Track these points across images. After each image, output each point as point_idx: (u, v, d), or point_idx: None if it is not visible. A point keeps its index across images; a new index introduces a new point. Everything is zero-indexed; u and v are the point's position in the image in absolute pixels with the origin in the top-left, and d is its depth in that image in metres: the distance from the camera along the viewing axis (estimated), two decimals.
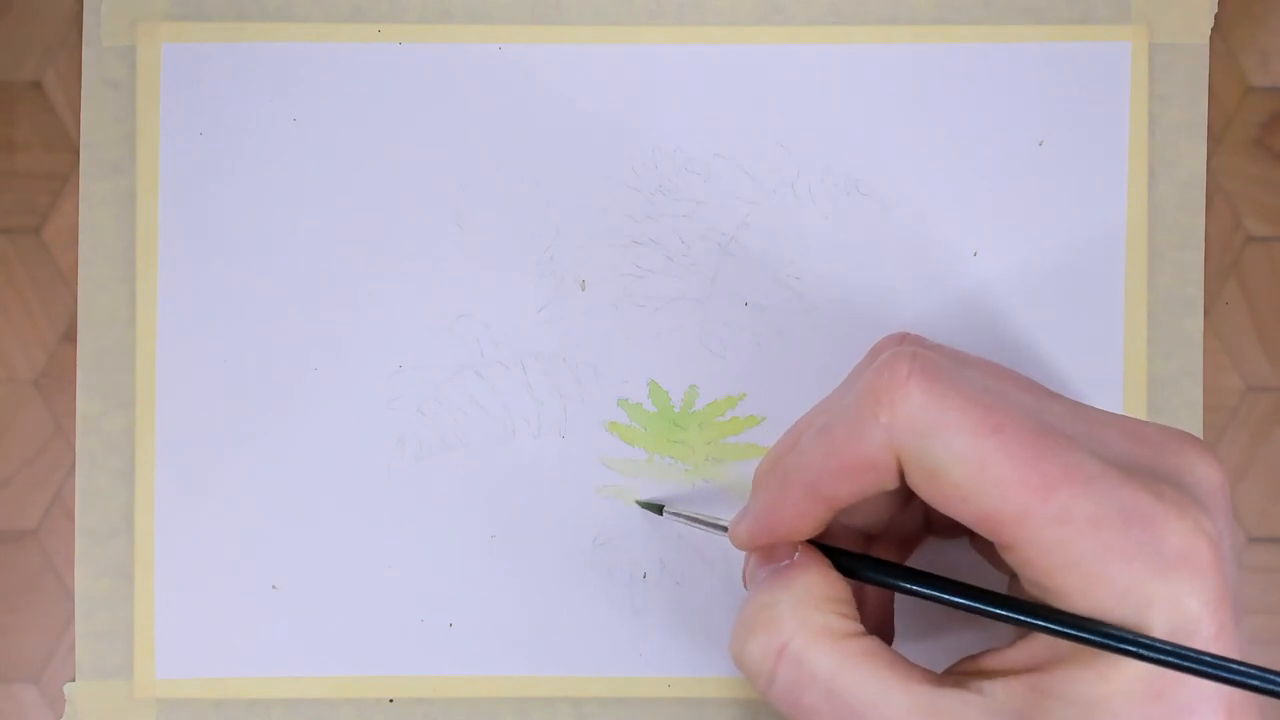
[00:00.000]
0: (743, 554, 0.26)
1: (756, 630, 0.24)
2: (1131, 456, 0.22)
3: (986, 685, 0.22)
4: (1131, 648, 0.20)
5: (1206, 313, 0.31)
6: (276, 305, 0.31)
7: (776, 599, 0.24)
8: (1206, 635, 0.21)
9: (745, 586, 0.26)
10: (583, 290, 0.31)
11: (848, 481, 0.23)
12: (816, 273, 0.31)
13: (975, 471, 0.21)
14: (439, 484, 0.31)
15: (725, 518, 0.27)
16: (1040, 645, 0.22)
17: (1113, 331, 0.31)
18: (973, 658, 0.24)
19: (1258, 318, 0.32)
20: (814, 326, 0.31)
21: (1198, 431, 0.31)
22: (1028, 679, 0.22)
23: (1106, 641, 0.21)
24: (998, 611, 0.22)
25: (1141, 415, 0.31)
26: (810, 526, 0.24)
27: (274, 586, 0.31)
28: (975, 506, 0.22)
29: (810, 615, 0.23)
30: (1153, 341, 0.31)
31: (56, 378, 0.32)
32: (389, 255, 0.31)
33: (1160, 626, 0.21)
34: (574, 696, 0.31)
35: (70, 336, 0.32)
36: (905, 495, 0.27)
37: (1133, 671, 0.21)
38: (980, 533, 0.22)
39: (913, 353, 0.23)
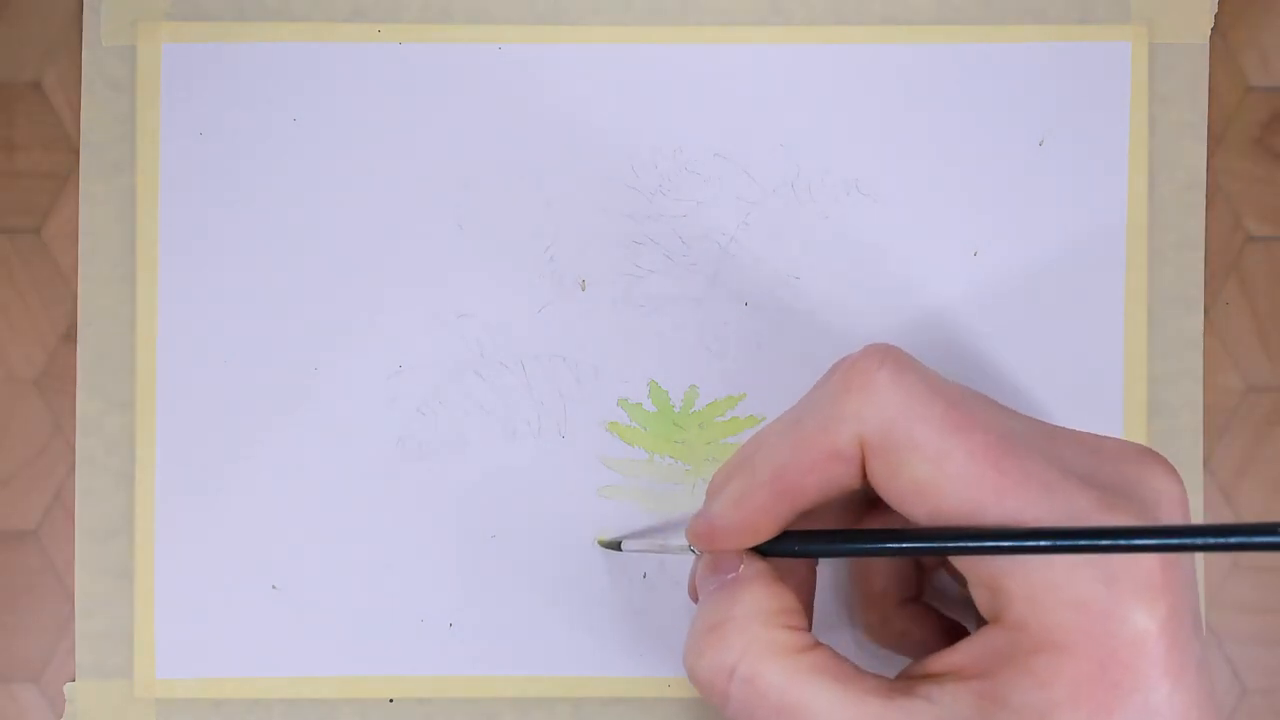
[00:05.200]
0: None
1: (706, 650, 0.24)
2: (1090, 470, 0.22)
3: (935, 692, 0.22)
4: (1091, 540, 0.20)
5: (1206, 313, 0.31)
6: (276, 305, 0.31)
7: (725, 616, 0.24)
8: (1155, 653, 0.20)
9: (692, 597, 0.26)
10: (583, 290, 0.31)
11: (815, 474, 0.23)
12: (816, 273, 0.31)
13: (935, 467, 0.22)
14: (439, 484, 0.31)
15: (675, 540, 0.27)
16: (981, 646, 0.22)
17: (1113, 331, 0.31)
18: (920, 661, 0.24)
19: (1258, 318, 0.32)
20: (814, 326, 0.31)
21: (1197, 432, 0.31)
22: (975, 685, 0.22)
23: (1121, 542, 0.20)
24: (959, 545, 0.22)
25: (1141, 415, 0.31)
26: (773, 524, 0.24)
27: (274, 586, 0.31)
28: (931, 503, 0.22)
29: (759, 632, 0.23)
30: (1153, 341, 0.31)
31: (56, 378, 0.32)
32: (389, 255, 0.31)
33: (1103, 640, 0.21)
34: (574, 696, 0.31)
35: (70, 336, 0.32)
36: (857, 511, 0.27)
37: (1072, 678, 0.21)
38: None
39: (885, 346, 0.23)
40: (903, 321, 0.31)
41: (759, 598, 0.24)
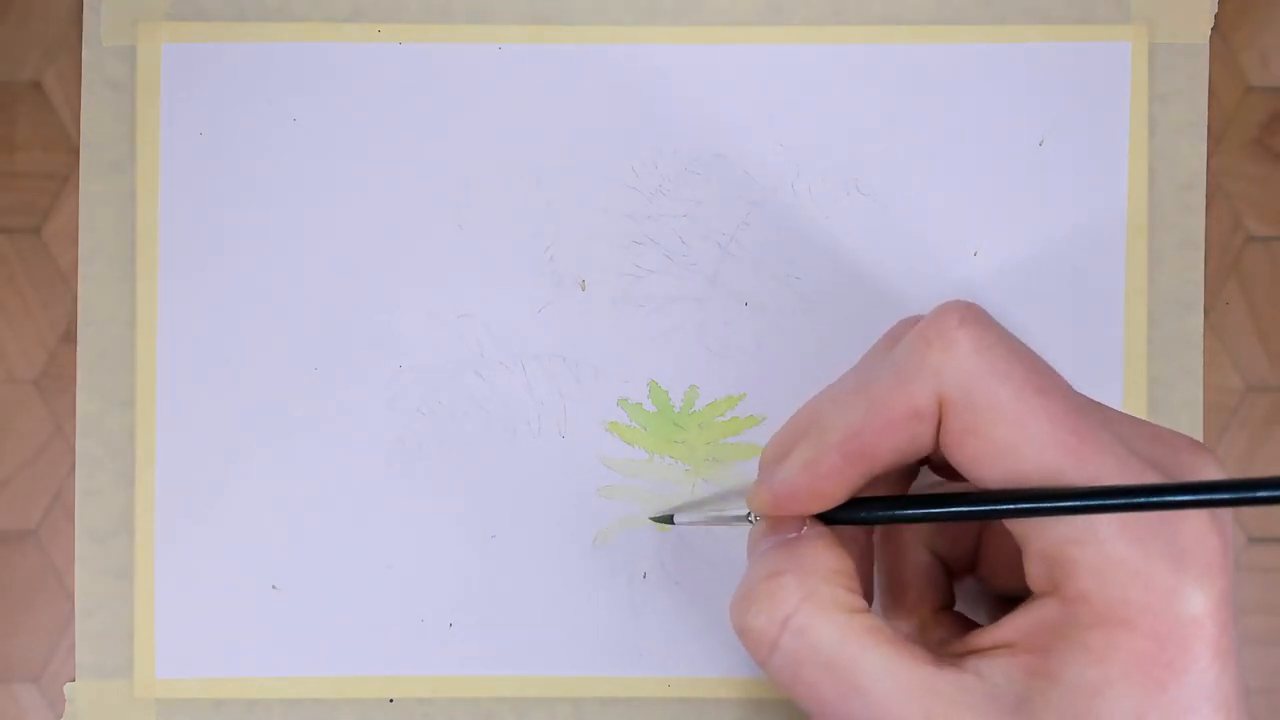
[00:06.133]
0: (742, 552, 0.26)
1: (760, 600, 0.23)
2: (1149, 454, 0.22)
3: (984, 667, 0.22)
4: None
5: (1206, 313, 0.31)
6: (276, 305, 0.31)
7: (781, 569, 0.24)
8: (1208, 634, 0.20)
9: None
10: (583, 290, 0.31)
11: (891, 435, 0.22)
12: (816, 273, 0.31)
13: (1016, 429, 0.21)
14: (440, 484, 0.31)
15: (730, 510, 0.27)
16: (1031, 620, 0.22)
17: (1113, 331, 0.31)
18: (963, 638, 0.23)
19: (1258, 318, 0.32)
20: (814, 326, 0.31)
21: (1198, 431, 0.31)
22: (1025, 661, 0.22)
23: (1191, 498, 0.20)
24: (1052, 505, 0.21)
25: (1141, 415, 0.31)
26: (843, 490, 0.23)
27: (274, 586, 0.31)
28: (1008, 465, 0.21)
29: (817, 587, 0.23)
30: (1153, 341, 0.31)
31: (56, 378, 0.32)
32: (389, 255, 0.31)
33: (1164, 617, 0.20)
34: (574, 696, 0.31)
35: (70, 336, 0.32)
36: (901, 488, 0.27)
37: (1129, 655, 0.20)
38: None
39: (964, 303, 0.23)
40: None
41: (821, 555, 0.24)
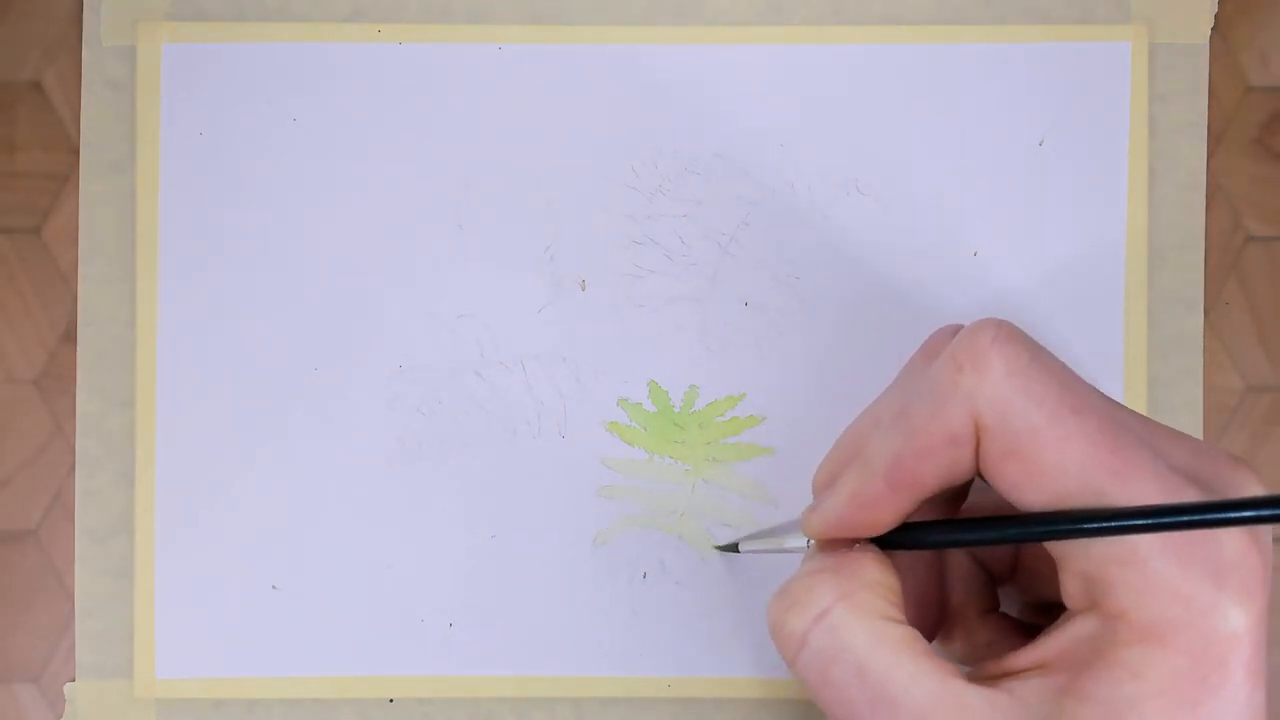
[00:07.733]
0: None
1: (799, 595, 0.23)
2: (1189, 468, 0.22)
3: (1016, 685, 0.22)
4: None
5: (1206, 313, 0.31)
6: (276, 305, 0.31)
7: (828, 567, 0.24)
8: (1244, 652, 0.20)
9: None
10: (583, 290, 0.31)
11: (932, 461, 0.22)
12: (816, 273, 0.31)
13: (1053, 450, 0.21)
14: (439, 484, 0.31)
15: (794, 541, 0.26)
16: (1067, 639, 0.22)
17: (1113, 331, 0.31)
18: (998, 660, 0.23)
19: (1258, 318, 0.32)
20: (814, 326, 0.31)
21: (1198, 432, 0.31)
22: (1056, 681, 0.22)
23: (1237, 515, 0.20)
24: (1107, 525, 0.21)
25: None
26: (891, 517, 0.23)
27: (274, 586, 0.31)
28: (1048, 487, 0.21)
29: (855, 590, 0.23)
30: (1153, 341, 0.31)
31: (56, 378, 0.32)
32: (389, 255, 0.31)
33: (1202, 634, 0.20)
34: (574, 696, 0.31)
35: (70, 336, 0.32)
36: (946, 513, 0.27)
37: (1164, 672, 0.20)
38: None
39: (996, 321, 0.22)
40: (902, 321, 0.31)
41: (866, 566, 0.24)
